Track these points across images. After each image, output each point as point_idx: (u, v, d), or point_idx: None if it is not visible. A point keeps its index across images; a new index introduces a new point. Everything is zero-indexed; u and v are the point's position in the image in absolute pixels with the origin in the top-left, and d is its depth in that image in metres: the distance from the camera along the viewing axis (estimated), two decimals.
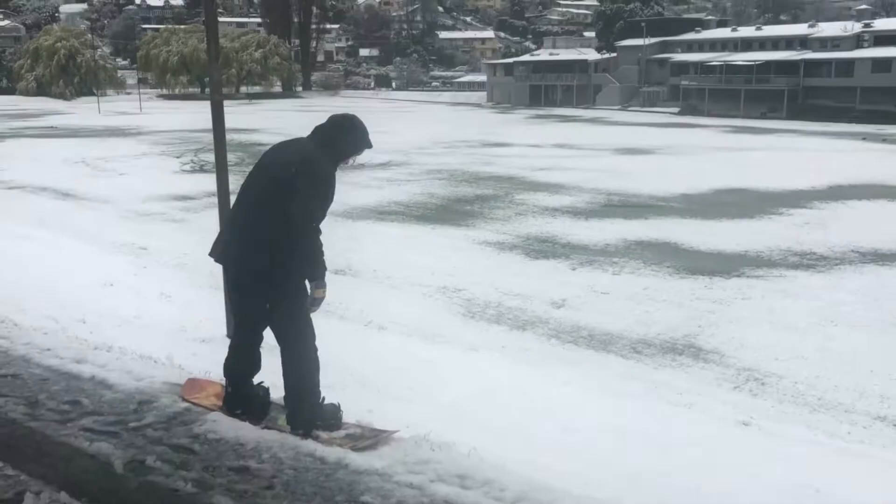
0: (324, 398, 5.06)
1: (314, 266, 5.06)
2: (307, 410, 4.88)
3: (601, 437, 6.68)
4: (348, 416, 5.06)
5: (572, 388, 9.39)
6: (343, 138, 5.11)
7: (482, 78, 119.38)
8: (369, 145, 5.29)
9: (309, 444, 4.55)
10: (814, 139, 54.17)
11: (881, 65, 67.89)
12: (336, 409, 5.12)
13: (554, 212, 26.97)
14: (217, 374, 5.51)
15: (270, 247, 4.75)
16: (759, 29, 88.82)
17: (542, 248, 21.51)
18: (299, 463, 4.45)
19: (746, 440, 8.50)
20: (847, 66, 70.11)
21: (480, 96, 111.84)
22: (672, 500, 4.05)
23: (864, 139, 52.46)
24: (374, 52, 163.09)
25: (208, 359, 6.70)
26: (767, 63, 74.95)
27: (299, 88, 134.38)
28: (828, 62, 71.66)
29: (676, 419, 9.44)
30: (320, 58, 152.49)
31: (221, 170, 8.26)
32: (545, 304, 16.31)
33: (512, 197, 30.17)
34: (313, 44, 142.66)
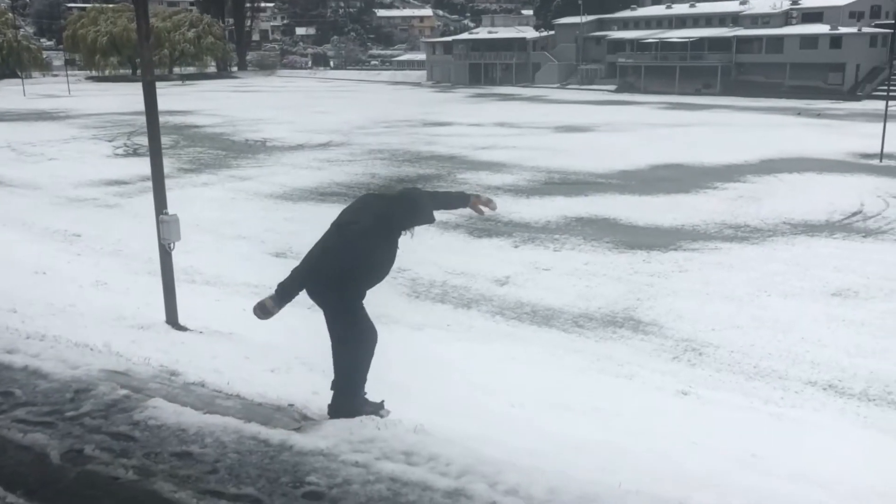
0: (366, 394, 5.36)
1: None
2: (338, 401, 5.22)
3: (546, 410, 6.79)
4: (294, 398, 5.02)
5: (517, 363, 9.51)
6: (407, 202, 5.42)
7: (421, 56, 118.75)
8: (431, 220, 5.60)
9: (252, 427, 4.50)
10: (746, 114, 55.48)
11: (808, 41, 69.82)
12: (378, 406, 5.35)
13: (496, 190, 27.08)
14: (157, 360, 5.41)
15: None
16: (692, 6, 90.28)
17: (485, 227, 21.60)
18: (243, 446, 4.40)
19: (686, 409, 8.75)
20: (777, 43, 71.91)
21: (420, 75, 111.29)
22: (615, 468, 4.13)
23: (798, 114, 53.92)
24: (311, 30, 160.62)
25: (148, 346, 6.57)
26: (701, 40, 76.37)
27: (234, 69, 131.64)
28: (759, 39, 73.36)
29: (618, 390, 9.67)
30: (255, 37, 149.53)
31: (155, 153, 8.05)
32: (489, 282, 16.43)
33: (454, 176, 30.18)
34: (248, 23, 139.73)
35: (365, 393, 5.30)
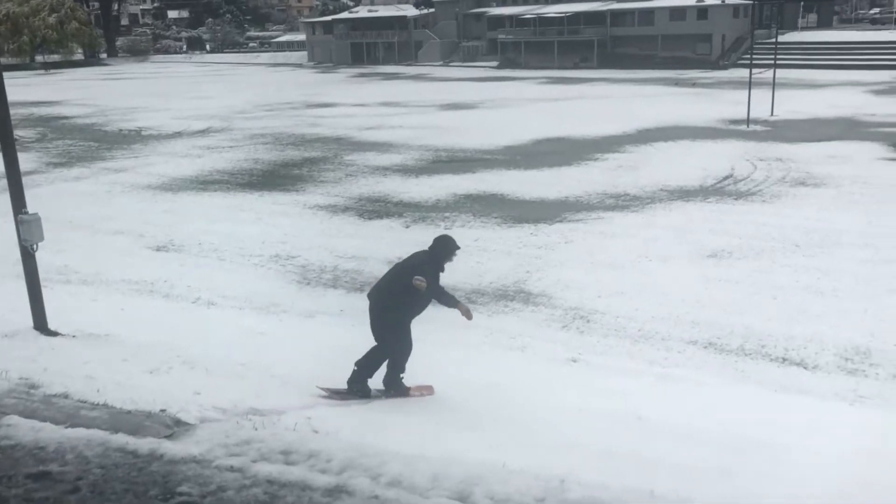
0: (403, 377, 7.38)
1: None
2: (386, 379, 7.29)
3: (443, 390, 6.79)
4: (173, 400, 4.79)
5: (415, 345, 9.47)
6: (441, 250, 7.68)
7: (301, 37, 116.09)
8: (457, 247, 7.82)
9: (119, 438, 4.25)
10: (623, 86, 57.26)
11: (677, 13, 72.62)
12: (406, 389, 7.30)
13: (384, 171, 26.93)
14: (18, 371, 5.04)
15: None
16: None
17: (375, 208, 21.46)
18: (108, 459, 4.13)
19: (576, 375, 8.98)
20: (648, 16, 74.43)
21: (301, 56, 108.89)
22: (503, 445, 4.16)
23: (676, 84, 56.03)
24: (184, 13, 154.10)
25: (11, 356, 6.13)
26: (577, 14, 78.11)
27: (104, 55, 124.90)
28: (631, 12, 75.70)
29: (512, 362, 9.82)
30: (124, 21, 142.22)
31: (8, 147, 7.48)
32: (381, 264, 16.25)
33: (341, 158, 29.79)
34: (115, 6, 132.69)
35: (402, 378, 7.33)
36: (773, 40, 43.30)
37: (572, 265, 15.75)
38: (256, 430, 4.35)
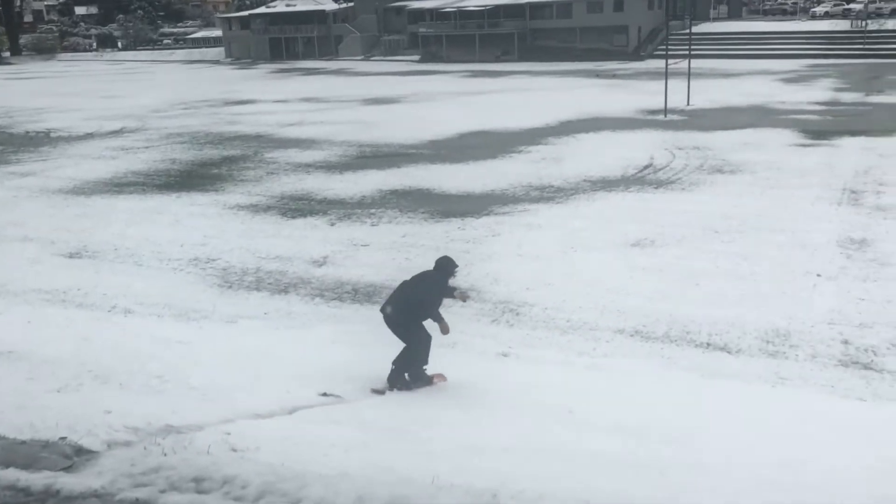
0: (426, 368, 8.37)
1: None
2: (393, 374, 8.10)
3: (368, 395, 6.60)
4: (81, 422, 4.46)
5: (339, 346, 9.25)
6: (445, 270, 8.78)
7: (217, 33, 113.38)
8: (457, 266, 9.04)
9: (10, 474, 3.86)
10: (544, 78, 57.85)
11: (594, 6, 73.82)
12: (429, 378, 8.31)
13: (307, 168, 26.45)
14: None
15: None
16: None
17: (299, 207, 21.03)
18: None
19: (506, 370, 8.91)
20: (566, 8, 75.42)
21: (218, 52, 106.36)
22: (439, 449, 4.02)
23: (597, 76, 56.86)
24: (93, 9, 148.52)
25: None
26: (497, 8, 78.55)
27: (7, 54, 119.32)
28: (549, 5, 76.55)
29: (442, 360, 9.67)
30: (28, 18, 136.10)
31: None
32: (306, 264, 15.99)
33: (262, 156, 29.13)
34: (17, 2, 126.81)
35: (424, 369, 8.24)
36: (688, 31, 44.40)
37: (500, 258, 15.75)
38: (166, 455, 4.06)
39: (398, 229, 18.29)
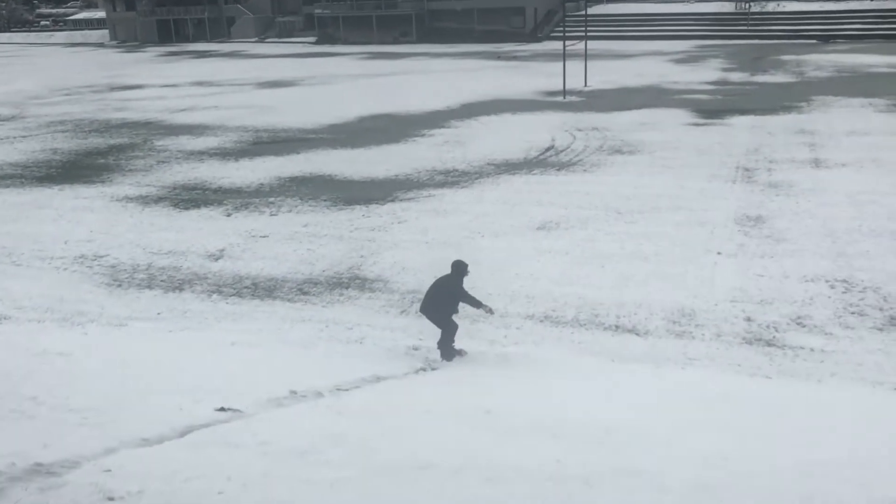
0: (454, 344, 9.91)
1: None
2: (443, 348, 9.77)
3: (265, 407, 6.08)
4: None
5: (238, 348, 8.68)
6: (459, 270, 10.02)
7: (101, 14, 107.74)
8: (467, 265, 10.19)
9: None
10: (443, 60, 57.52)
11: None
12: (459, 350, 9.98)
13: (200, 155, 25.30)
14: None
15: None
16: None
17: (192, 197, 20.03)
18: None
19: (417, 366, 8.56)
20: None
21: (102, 35, 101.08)
22: (343, 472, 3.64)
23: (498, 58, 56.81)
24: None
25: None
26: None
27: None
28: None
29: (351, 357, 9.27)
30: None
31: None
32: (202, 258, 15.19)
33: (152, 144, 27.71)
34: None
35: (454, 343, 9.87)
36: (583, 13, 44.94)
37: (407, 246, 15.39)
38: None
39: (299, 218, 17.65)
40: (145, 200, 19.84)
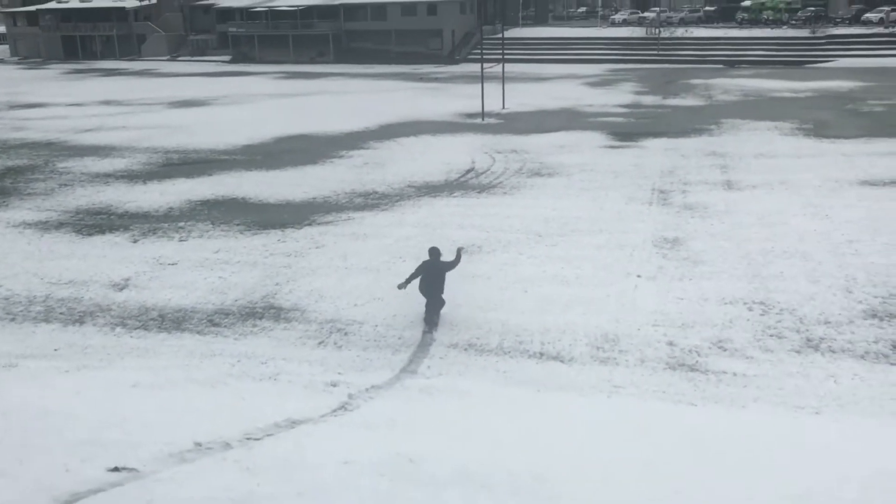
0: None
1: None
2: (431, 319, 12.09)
3: (165, 464, 5.50)
4: None
5: (140, 390, 8.02)
6: (438, 252, 12.40)
7: (1, 29, 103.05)
8: (437, 248, 12.55)
9: None
10: (361, 81, 57.10)
11: (408, 8, 74.08)
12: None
13: (106, 178, 24.11)
14: None
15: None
16: None
17: (96, 222, 18.98)
18: None
19: (335, 408, 8.09)
20: (381, 11, 75.14)
21: (3, 50, 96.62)
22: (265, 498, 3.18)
23: (420, 79, 56.62)
24: None
25: None
26: (310, 8, 76.79)
27: None
28: (363, 7, 75.95)
29: (261, 400, 8.68)
30: None
31: None
32: (105, 288, 14.29)
33: (53, 166, 26.29)
34: None
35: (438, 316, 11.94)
36: (499, 36, 45.38)
37: (325, 272, 14.87)
38: None
39: (210, 244, 16.89)
40: (45, 226, 18.68)
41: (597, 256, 15.36)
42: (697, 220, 17.69)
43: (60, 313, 13.06)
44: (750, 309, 12.58)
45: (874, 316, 12.15)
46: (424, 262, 12.29)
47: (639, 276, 14.16)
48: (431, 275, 12.08)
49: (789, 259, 14.86)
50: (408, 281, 12.20)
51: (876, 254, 15.00)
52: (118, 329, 12.38)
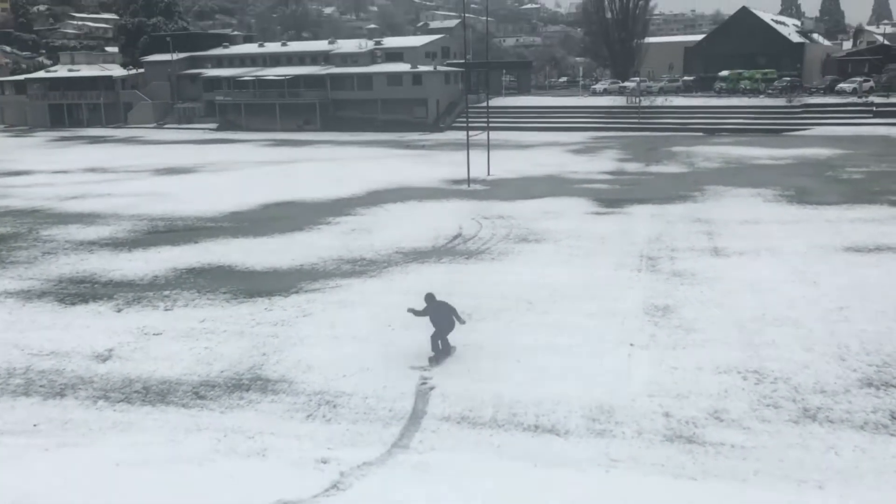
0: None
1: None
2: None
3: None
4: None
5: (124, 469, 7.70)
6: (432, 296, 14.07)
7: None
8: (433, 294, 14.33)
9: None
10: (348, 148, 57.61)
11: (394, 78, 75.37)
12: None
13: (91, 246, 23.88)
14: None
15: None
16: (284, 45, 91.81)
17: (80, 291, 18.68)
18: None
19: (327, 483, 7.80)
20: (367, 80, 76.39)
21: None
22: None
23: (407, 147, 57.16)
24: None
25: None
26: (297, 78, 77.95)
27: None
28: (350, 77, 77.19)
29: (250, 474, 8.40)
30: None
31: None
32: (87, 359, 13.95)
33: (37, 233, 26.05)
34: None
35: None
36: (483, 105, 46.12)
37: (313, 342, 14.62)
38: None
39: (196, 313, 16.63)
40: (27, 295, 18.37)
41: (589, 324, 15.24)
42: (687, 287, 17.67)
43: (41, 386, 12.70)
44: (744, 378, 12.44)
45: (870, 385, 12.04)
46: (430, 304, 13.69)
47: (632, 345, 14.02)
48: (440, 312, 13.56)
49: (781, 326, 14.80)
50: (416, 313, 13.76)
51: (867, 321, 14.98)
52: (100, 402, 12.03)
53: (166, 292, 18.36)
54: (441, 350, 13.58)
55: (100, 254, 22.77)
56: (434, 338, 13.59)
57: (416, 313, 13.80)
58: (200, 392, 12.35)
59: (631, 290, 17.65)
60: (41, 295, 18.42)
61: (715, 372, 12.68)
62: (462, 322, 13.71)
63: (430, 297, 13.87)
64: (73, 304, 17.63)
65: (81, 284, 19.36)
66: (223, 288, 18.64)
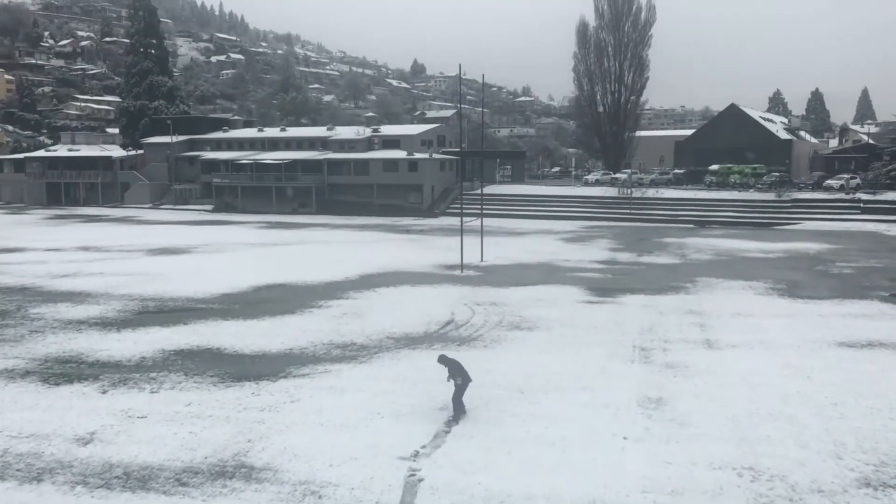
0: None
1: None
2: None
3: None
4: None
5: None
6: (446, 359, 15.59)
7: None
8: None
9: None
10: (342, 232, 58.02)
11: (390, 164, 76.67)
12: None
13: (79, 325, 23.65)
14: None
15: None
16: (283, 130, 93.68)
17: (65, 371, 18.39)
18: None
19: None
20: (363, 166, 77.67)
21: None
22: None
23: (406, 231, 57.58)
24: None
25: None
26: (294, 162, 79.21)
27: None
28: (347, 162, 78.51)
29: None
30: None
31: None
32: (68, 442, 13.61)
33: (25, 311, 25.84)
34: None
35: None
36: (477, 192, 46.76)
37: (300, 429, 14.33)
38: None
39: (182, 396, 16.35)
40: (10, 375, 18.06)
41: (581, 416, 15.01)
42: (680, 380, 17.51)
43: (17, 470, 12.34)
44: (740, 475, 12.19)
45: (868, 485, 11.81)
46: (450, 363, 15.29)
47: (625, 439, 13.78)
48: (456, 366, 15.16)
49: (775, 422, 14.61)
50: (447, 366, 15.27)
51: (862, 418, 14.81)
52: (78, 488, 11.68)
53: (153, 374, 18.09)
54: (462, 406, 15.06)
55: (88, 333, 22.53)
56: (457, 398, 15.05)
57: (447, 365, 15.32)
58: (182, 479, 12.01)
59: (624, 380, 17.48)
60: (25, 374, 18.12)
61: (710, 468, 12.43)
62: (470, 380, 15.27)
63: (443, 358, 15.49)
64: (57, 384, 17.33)
65: (67, 364, 19.08)
66: (211, 371, 18.38)
